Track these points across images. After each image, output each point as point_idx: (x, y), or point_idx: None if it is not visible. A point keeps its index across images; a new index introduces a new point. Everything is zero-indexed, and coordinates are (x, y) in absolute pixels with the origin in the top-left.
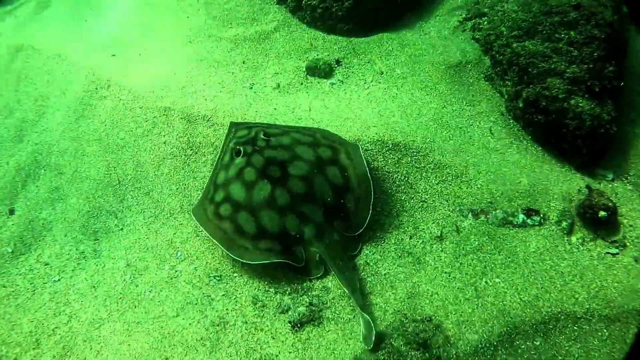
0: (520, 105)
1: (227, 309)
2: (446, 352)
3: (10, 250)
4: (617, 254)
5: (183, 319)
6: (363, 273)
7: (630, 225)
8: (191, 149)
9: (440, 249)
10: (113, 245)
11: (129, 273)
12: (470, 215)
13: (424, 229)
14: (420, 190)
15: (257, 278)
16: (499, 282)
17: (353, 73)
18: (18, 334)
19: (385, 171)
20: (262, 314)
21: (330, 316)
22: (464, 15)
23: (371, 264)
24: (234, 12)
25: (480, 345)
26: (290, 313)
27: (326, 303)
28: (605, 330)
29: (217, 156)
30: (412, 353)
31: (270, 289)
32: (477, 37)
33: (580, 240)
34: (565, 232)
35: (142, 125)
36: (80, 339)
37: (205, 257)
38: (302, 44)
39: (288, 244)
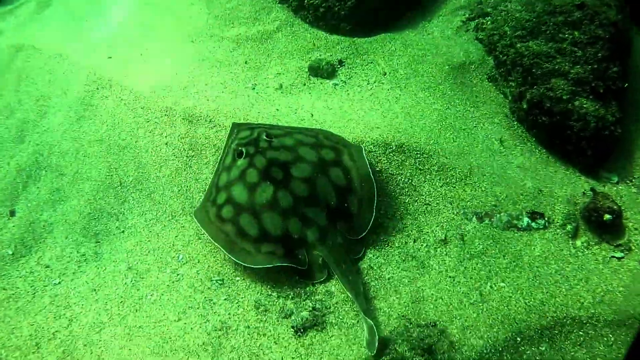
0: (524, 106)
1: (229, 314)
2: (451, 358)
3: (10, 252)
4: (623, 257)
5: (185, 323)
6: (367, 277)
7: (636, 229)
8: (193, 150)
9: (445, 252)
10: (114, 247)
11: (130, 276)
12: (474, 218)
13: (428, 232)
14: (424, 193)
15: (260, 282)
16: (504, 287)
17: (356, 74)
18: (18, 338)
19: (389, 173)
20: (264, 319)
21: (333, 321)
22: (467, 15)
23: (375, 267)
24: (236, 12)
25: (485, 351)
26: (293, 318)
27: (329, 308)
28: (611, 336)
29: (219, 157)
30: (417, 359)
31: (273, 293)
32: (480, 37)
33: (585, 244)
34: (570, 235)
35: (143, 125)
36: (81, 343)
37: (207, 260)
38: (305, 44)
39: (291, 247)
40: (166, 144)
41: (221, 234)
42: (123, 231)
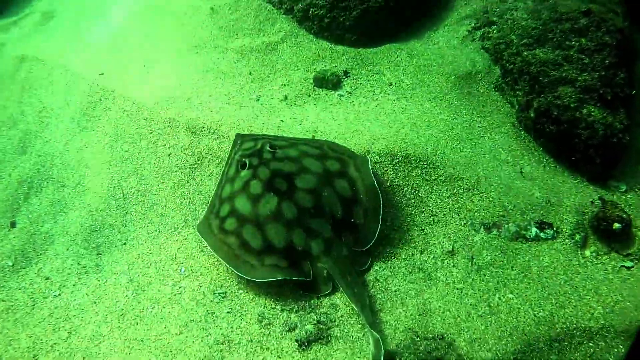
0: (532, 115)
1: (232, 327)
2: None
3: (10, 264)
4: (632, 267)
5: (186, 336)
6: (372, 289)
7: None
8: (196, 162)
9: (452, 264)
10: (115, 260)
11: (132, 289)
12: (482, 229)
13: (435, 243)
14: (430, 204)
15: (264, 295)
16: (513, 298)
17: (361, 84)
18: (15, 350)
19: (395, 184)
20: (268, 332)
21: (338, 334)
22: (473, 25)
23: (381, 280)
24: (240, 23)
25: None
26: (297, 331)
27: (334, 321)
28: (621, 347)
29: (223, 169)
30: None
31: (276, 306)
32: (486, 46)
33: (594, 254)
34: (578, 245)
35: (146, 137)
36: (80, 356)
37: (209, 273)
38: (310, 54)
39: (295, 259)
40: (169, 155)
41: (224, 246)
42: (125, 243)
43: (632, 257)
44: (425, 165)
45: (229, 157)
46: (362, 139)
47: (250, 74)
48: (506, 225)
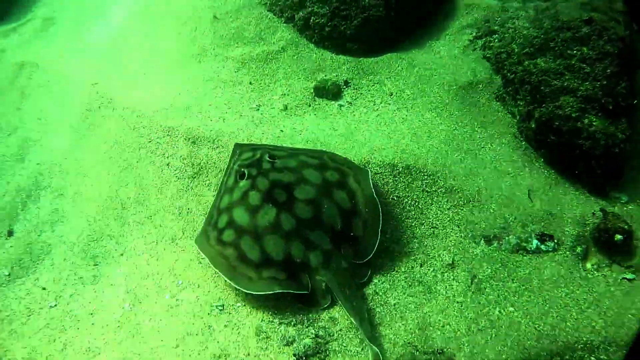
0: (533, 125)
1: (229, 341)
2: None
3: (7, 273)
4: (634, 279)
5: (183, 350)
6: (372, 303)
7: None
8: (195, 172)
9: (452, 277)
10: (112, 271)
11: (128, 301)
12: (482, 241)
13: (435, 256)
14: (431, 216)
15: (261, 308)
16: (513, 312)
17: (362, 94)
18: None
19: (395, 196)
20: (265, 346)
21: (337, 349)
22: (474, 34)
23: (380, 293)
24: (241, 31)
25: None
26: (295, 345)
27: (333, 335)
28: None
29: (222, 179)
30: None
31: (274, 320)
32: (488, 55)
33: (595, 266)
34: (580, 257)
35: (145, 146)
36: None
37: (207, 285)
38: (310, 64)
39: (293, 272)
40: (168, 164)
41: (221, 259)
42: (122, 254)
43: (634, 269)
44: (425, 177)
45: (227, 167)
46: (362, 150)
47: (250, 83)
48: (507, 238)
